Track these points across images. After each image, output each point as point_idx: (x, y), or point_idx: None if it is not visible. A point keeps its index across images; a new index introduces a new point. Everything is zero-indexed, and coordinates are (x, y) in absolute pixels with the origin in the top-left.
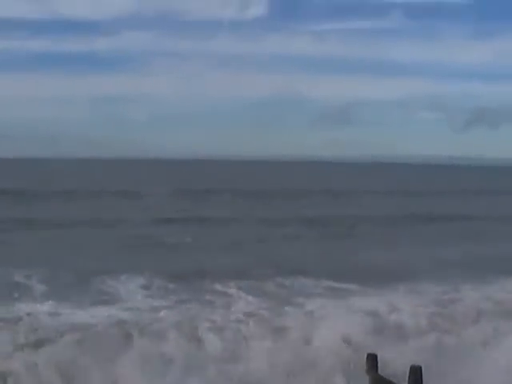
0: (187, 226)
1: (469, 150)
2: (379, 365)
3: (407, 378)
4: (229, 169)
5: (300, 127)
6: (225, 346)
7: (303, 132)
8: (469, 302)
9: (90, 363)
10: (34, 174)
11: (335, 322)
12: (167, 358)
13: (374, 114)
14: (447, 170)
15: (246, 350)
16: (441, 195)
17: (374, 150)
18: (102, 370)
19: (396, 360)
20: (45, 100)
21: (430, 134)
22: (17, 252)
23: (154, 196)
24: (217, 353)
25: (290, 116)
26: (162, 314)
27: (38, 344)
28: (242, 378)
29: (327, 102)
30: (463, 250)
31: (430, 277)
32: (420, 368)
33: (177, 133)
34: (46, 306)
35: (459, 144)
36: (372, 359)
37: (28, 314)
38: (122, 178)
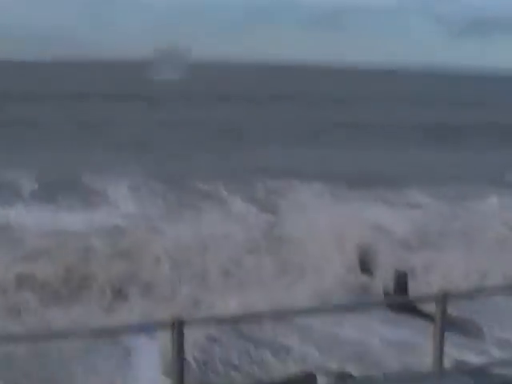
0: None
1: (461, 58)
2: None
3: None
4: (219, 72)
5: (291, 32)
6: None
7: (294, 37)
8: None
9: None
10: (20, 75)
11: None
12: None
13: (365, 20)
14: (438, 78)
15: None
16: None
17: (365, 57)
18: None
19: None
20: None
21: (422, 41)
22: (5, 152)
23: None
24: None
25: (280, 21)
26: None
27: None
28: None
29: (317, 7)
30: None
31: None
32: (405, 273)
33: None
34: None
35: (451, 52)
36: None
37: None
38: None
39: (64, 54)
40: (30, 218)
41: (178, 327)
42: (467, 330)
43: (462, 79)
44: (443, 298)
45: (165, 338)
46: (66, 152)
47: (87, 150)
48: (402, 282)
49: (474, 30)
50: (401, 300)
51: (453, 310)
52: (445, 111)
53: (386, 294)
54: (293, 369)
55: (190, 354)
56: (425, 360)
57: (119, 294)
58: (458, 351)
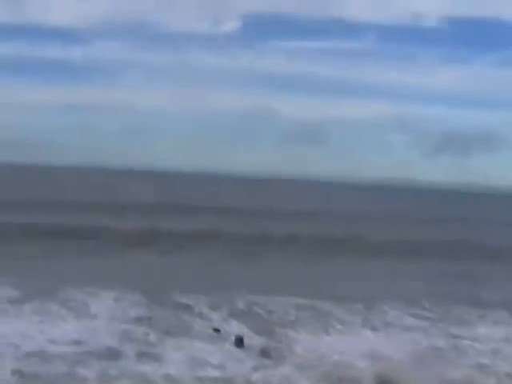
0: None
1: (438, 175)
2: None
3: None
4: (195, 184)
5: (269, 145)
6: None
7: (272, 150)
8: None
9: None
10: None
11: None
12: None
13: (345, 134)
14: (417, 194)
15: None
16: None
17: (343, 171)
18: None
19: None
20: (16, 106)
21: (399, 156)
22: None
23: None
24: None
25: (259, 134)
26: None
27: None
28: None
29: (297, 121)
30: None
31: None
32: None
33: (147, 144)
34: None
35: (429, 168)
36: None
37: None
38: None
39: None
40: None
41: None
42: None
43: (439, 195)
44: None
45: None
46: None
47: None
48: None
49: (451, 145)
50: None
51: None
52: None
53: None
54: None
55: None
56: None
57: None
58: None
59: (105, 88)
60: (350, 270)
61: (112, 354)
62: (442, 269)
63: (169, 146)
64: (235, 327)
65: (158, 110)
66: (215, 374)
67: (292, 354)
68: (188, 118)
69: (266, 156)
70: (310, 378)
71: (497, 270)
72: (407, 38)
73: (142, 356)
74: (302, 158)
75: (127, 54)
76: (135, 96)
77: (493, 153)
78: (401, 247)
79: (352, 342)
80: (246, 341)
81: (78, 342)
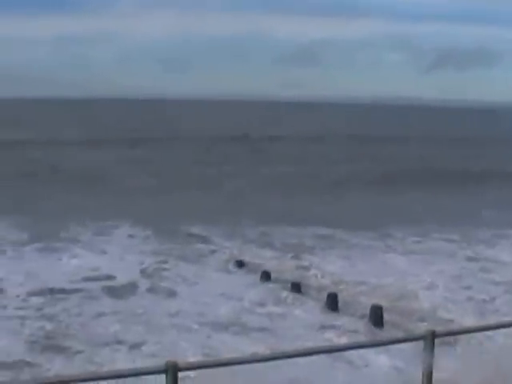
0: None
1: (434, 91)
2: None
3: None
4: (187, 109)
5: (262, 67)
6: None
7: (265, 72)
8: None
9: None
10: None
11: None
12: None
13: (338, 54)
14: (412, 111)
15: None
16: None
17: (339, 91)
18: None
19: None
20: (8, 40)
21: (395, 75)
22: None
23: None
24: None
25: (252, 55)
26: None
27: None
28: None
29: (290, 41)
30: None
31: None
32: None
33: (141, 72)
34: None
35: (425, 85)
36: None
37: None
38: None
39: None
40: None
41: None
42: None
43: (434, 112)
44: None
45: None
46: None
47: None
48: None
49: (447, 61)
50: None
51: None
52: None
53: None
54: None
55: None
56: None
57: None
58: None
59: (96, 16)
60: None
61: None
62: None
63: (165, 72)
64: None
65: (151, 36)
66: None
67: None
68: (182, 43)
69: (261, 78)
70: None
71: None
72: None
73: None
74: (297, 80)
75: None
76: (128, 24)
77: (487, 68)
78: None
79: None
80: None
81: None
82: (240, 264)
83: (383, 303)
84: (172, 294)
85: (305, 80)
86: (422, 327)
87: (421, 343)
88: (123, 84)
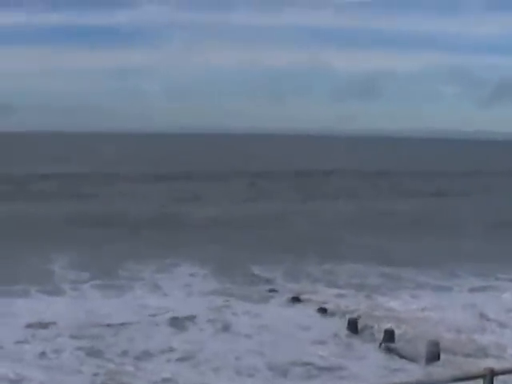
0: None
1: (493, 124)
2: None
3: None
4: (246, 144)
5: (320, 99)
6: None
7: (323, 106)
8: None
9: None
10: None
11: None
12: None
13: (397, 86)
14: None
15: None
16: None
17: (397, 125)
18: None
19: None
20: (65, 72)
21: (452, 107)
22: None
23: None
24: None
25: (310, 87)
26: None
27: None
28: None
29: (348, 73)
30: None
31: None
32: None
33: (194, 106)
34: None
35: (483, 118)
36: None
37: None
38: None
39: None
40: None
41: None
42: None
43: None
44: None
45: None
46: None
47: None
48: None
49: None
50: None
51: None
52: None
53: None
54: None
55: None
56: None
57: None
58: None
59: (152, 50)
60: None
61: None
62: None
63: (222, 107)
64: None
65: (208, 70)
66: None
67: None
68: (239, 77)
69: (319, 111)
70: None
71: None
72: None
73: None
74: (354, 113)
75: (174, 15)
76: (185, 56)
77: None
78: None
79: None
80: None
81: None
82: (297, 301)
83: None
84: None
85: (362, 113)
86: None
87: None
88: (180, 117)
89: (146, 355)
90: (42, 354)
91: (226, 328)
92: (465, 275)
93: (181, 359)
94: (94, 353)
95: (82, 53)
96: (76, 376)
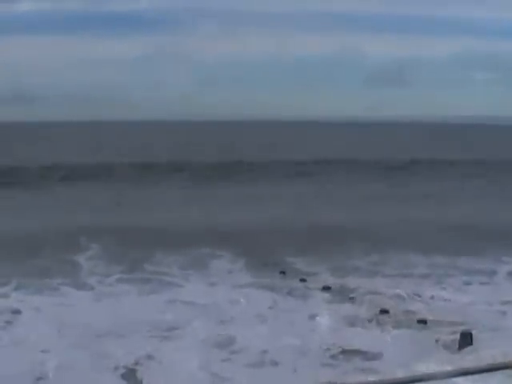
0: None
1: None
2: None
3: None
4: (278, 131)
5: (350, 87)
6: None
7: (353, 92)
8: None
9: None
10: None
11: None
12: None
13: (428, 73)
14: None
15: None
16: None
17: (428, 111)
18: None
19: None
20: (85, 62)
21: (486, 94)
22: None
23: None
24: None
25: (340, 75)
26: None
27: None
28: None
29: (379, 60)
30: None
31: None
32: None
33: (223, 94)
34: None
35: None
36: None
37: None
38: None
39: None
40: None
41: None
42: None
43: None
44: None
45: None
46: None
47: None
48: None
49: None
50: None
51: None
52: None
53: None
54: None
55: None
56: None
57: None
58: None
59: (178, 37)
60: None
61: None
62: None
63: (250, 94)
64: None
65: (236, 58)
66: None
67: None
68: (268, 64)
69: (349, 99)
70: None
71: None
72: None
73: None
74: (385, 100)
75: (201, 1)
76: (210, 44)
77: None
78: None
79: None
80: None
81: None
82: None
83: None
84: None
85: (393, 100)
86: None
87: None
88: (206, 105)
89: None
90: None
91: None
92: None
93: None
94: None
95: (107, 41)
96: None
